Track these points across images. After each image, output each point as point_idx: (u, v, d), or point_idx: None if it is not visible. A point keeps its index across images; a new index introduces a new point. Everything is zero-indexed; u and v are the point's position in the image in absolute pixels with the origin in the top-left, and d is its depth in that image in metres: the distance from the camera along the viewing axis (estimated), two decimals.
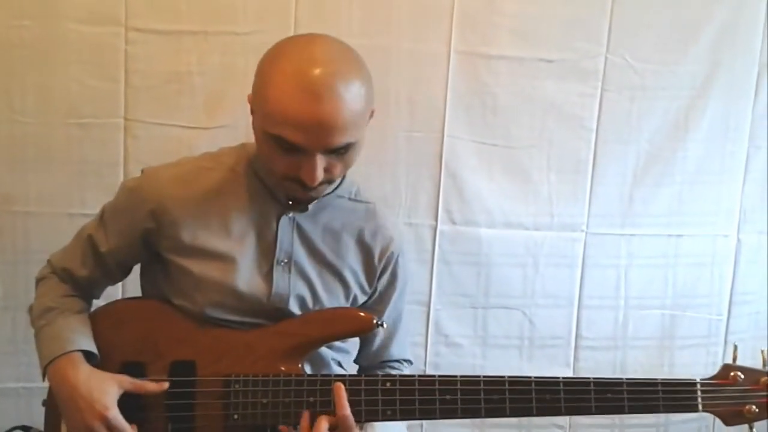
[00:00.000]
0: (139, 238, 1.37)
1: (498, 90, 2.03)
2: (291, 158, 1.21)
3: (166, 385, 1.30)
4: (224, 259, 1.33)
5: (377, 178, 2.00)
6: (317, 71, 1.16)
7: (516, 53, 2.02)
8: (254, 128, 1.28)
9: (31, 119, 1.90)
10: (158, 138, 1.93)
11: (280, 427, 1.28)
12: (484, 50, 2.00)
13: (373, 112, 1.30)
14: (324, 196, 1.36)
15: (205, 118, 1.94)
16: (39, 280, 1.46)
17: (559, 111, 2.06)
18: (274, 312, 1.35)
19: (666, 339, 2.19)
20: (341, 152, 1.23)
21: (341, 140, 1.19)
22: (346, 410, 1.25)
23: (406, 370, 1.56)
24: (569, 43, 2.02)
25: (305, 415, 1.26)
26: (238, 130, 1.87)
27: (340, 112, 1.17)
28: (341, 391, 1.26)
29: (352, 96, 1.18)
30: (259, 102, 1.23)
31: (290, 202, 1.35)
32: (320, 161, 1.20)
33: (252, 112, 1.28)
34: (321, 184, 1.25)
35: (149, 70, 1.91)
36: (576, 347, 2.16)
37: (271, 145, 1.22)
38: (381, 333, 1.49)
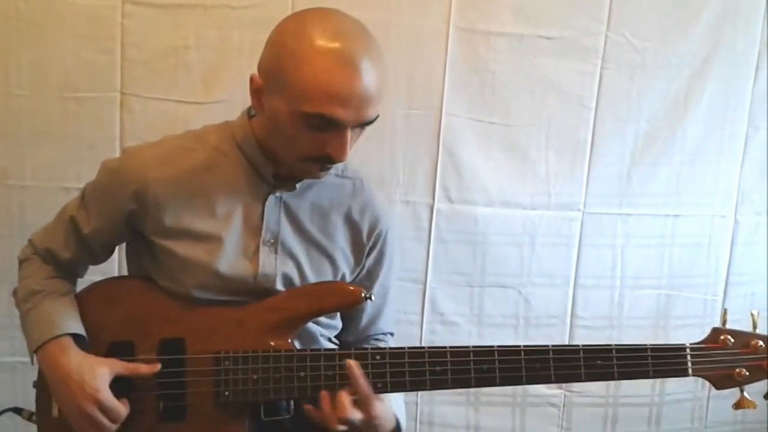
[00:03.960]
0: (122, 219, 1.35)
1: (497, 67, 2.01)
2: (319, 136, 1.19)
3: (158, 366, 1.29)
4: (210, 239, 1.31)
5: (375, 155, 1.99)
6: (350, 45, 1.16)
7: (516, 30, 2.00)
8: (269, 111, 1.23)
9: (26, 92, 1.89)
10: (154, 112, 1.92)
11: (305, 405, 1.26)
12: (484, 27, 1.99)
13: None
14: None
15: (201, 93, 1.93)
16: (22, 261, 1.45)
17: (558, 89, 2.05)
18: (261, 292, 1.33)
19: (661, 319, 2.20)
20: (366, 126, 1.23)
21: (375, 112, 1.20)
22: (364, 388, 1.24)
23: (391, 342, 1.55)
24: (569, 20, 2.01)
25: (324, 395, 1.25)
26: (234, 105, 1.84)
27: (377, 82, 1.18)
28: (355, 370, 1.24)
29: (381, 66, 1.20)
30: (286, 82, 1.17)
31: (276, 180, 1.33)
32: (350, 136, 1.20)
33: (261, 92, 1.23)
34: None
35: (146, 43, 1.90)
36: (571, 326, 2.16)
37: (299, 125, 1.19)
38: (368, 309, 1.48)
